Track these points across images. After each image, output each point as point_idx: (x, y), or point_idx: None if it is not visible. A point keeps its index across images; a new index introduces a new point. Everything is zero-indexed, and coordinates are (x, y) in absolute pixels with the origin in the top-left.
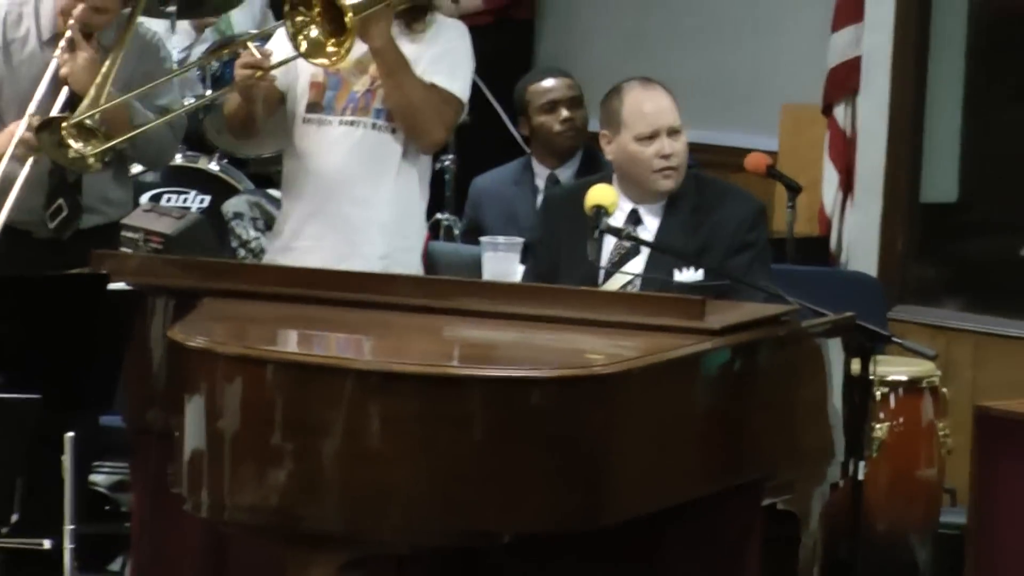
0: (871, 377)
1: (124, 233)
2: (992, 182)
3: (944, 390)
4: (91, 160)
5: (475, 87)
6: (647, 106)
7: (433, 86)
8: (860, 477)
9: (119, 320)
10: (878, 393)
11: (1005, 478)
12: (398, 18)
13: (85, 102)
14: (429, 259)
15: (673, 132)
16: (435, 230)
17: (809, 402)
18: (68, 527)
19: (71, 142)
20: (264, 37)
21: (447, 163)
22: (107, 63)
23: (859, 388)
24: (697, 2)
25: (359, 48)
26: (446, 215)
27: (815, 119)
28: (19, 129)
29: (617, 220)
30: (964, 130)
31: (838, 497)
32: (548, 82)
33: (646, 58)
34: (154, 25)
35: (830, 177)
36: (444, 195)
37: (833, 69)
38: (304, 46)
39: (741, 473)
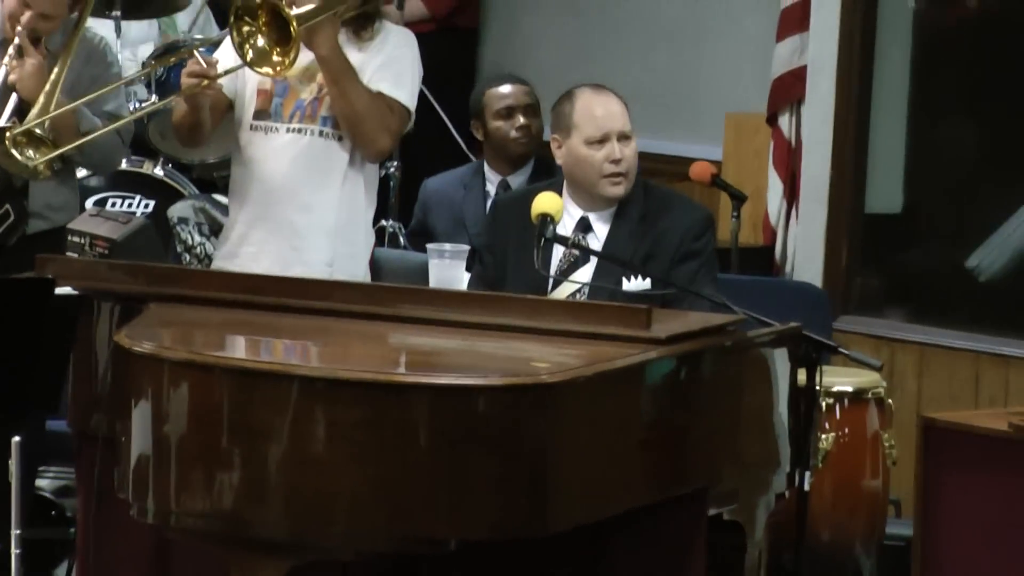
0: (817, 387)
1: (70, 238)
2: (936, 193)
3: (889, 401)
4: (40, 167)
5: (420, 94)
6: (598, 110)
7: (379, 94)
8: (806, 487)
9: (64, 324)
10: (823, 404)
11: (950, 489)
12: (345, 26)
13: (34, 109)
14: (374, 266)
15: (623, 138)
16: (380, 237)
17: (754, 412)
18: (15, 532)
19: (20, 150)
20: (211, 44)
21: (392, 170)
22: (55, 69)
23: (805, 398)
24: (641, 10)
25: (307, 56)
26: (391, 222)
27: (759, 128)
28: None
29: (567, 227)
30: (909, 141)
31: (783, 507)
32: (506, 88)
33: (590, 66)
34: (100, 29)
35: (774, 187)
36: (388, 201)
37: (778, 78)
38: (250, 55)
39: (686, 482)
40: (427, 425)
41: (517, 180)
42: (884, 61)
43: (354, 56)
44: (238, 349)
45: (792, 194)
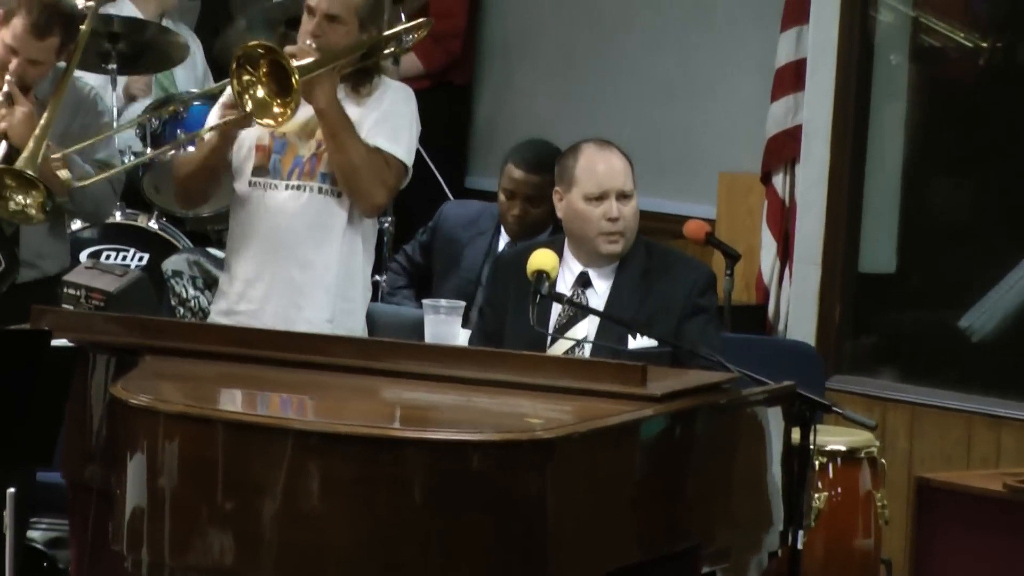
0: (811, 446)
1: (66, 290)
2: (930, 253)
3: (882, 460)
4: (33, 211)
5: (416, 151)
6: (600, 167)
7: (376, 149)
8: (799, 546)
9: (59, 376)
10: (816, 462)
11: (944, 549)
12: (344, 81)
13: (24, 155)
14: (368, 320)
15: (623, 196)
16: (374, 291)
17: (748, 470)
18: None
19: (12, 195)
20: (208, 96)
21: (386, 225)
22: (45, 116)
23: (798, 457)
24: (635, 68)
25: (305, 112)
26: (384, 277)
27: (752, 187)
28: None
29: (567, 281)
30: (903, 200)
31: (775, 566)
32: (517, 172)
33: (583, 123)
34: (92, 80)
35: (768, 245)
36: (383, 256)
37: (772, 138)
38: (249, 105)
39: (679, 539)
40: (422, 480)
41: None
42: (879, 121)
43: (352, 111)
44: (233, 402)
45: (786, 253)
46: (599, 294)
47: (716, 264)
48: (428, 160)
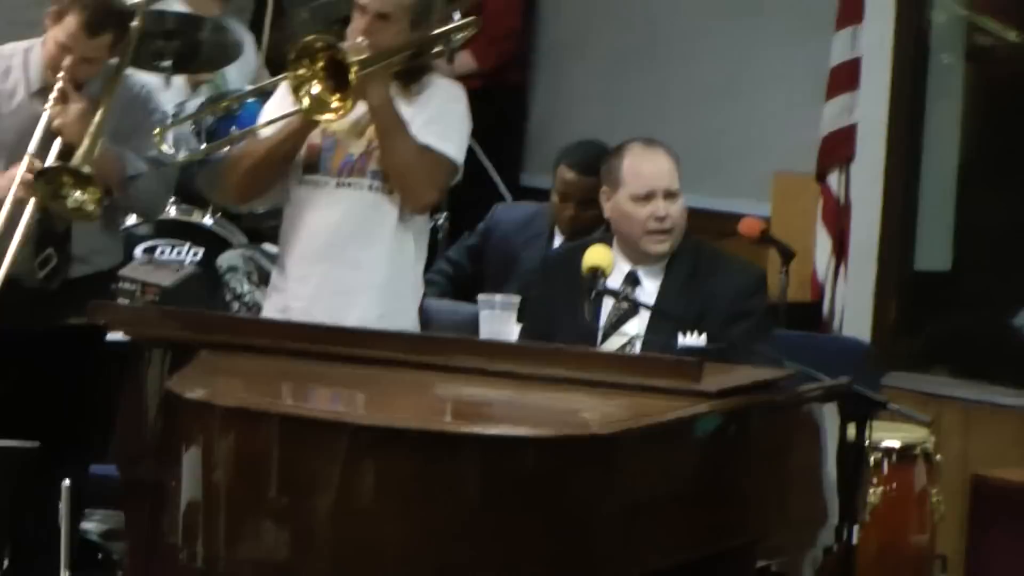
0: (866, 443)
1: (121, 285)
2: (985, 251)
3: (937, 457)
4: (91, 207)
5: (468, 149)
6: (645, 167)
7: (426, 147)
8: (854, 542)
9: (114, 370)
10: (871, 459)
11: (999, 546)
12: (395, 79)
13: (80, 151)
14: (423, 316)
15: (669, 195)
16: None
17: (803, 466)
18: (63, 574)
19: (70, 191)
20: (262, 93)
21: (440, 221)
22: (99, 113)
23: (853, 453)
24: (688, 67)
25: (356, 110)
26: (439, 261)
27: (807, 186)
28: (19, 171)
29: (615, 280)
30: (957, 199)
31: (830, 561)
32: (570, 174)
33: (637, 122)
34: (148, 79)
35: (823, 244)
36: (436, 253)
37: (826, 137)
38: (306, 102)
39: (734, 536)
40: (477, 477)
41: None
42: (934, 119)
43: (402, 109)
44: (289, 397)
45: (841, 251)
46: (648, 293)
47: (771, 262)
48: (482, 158)
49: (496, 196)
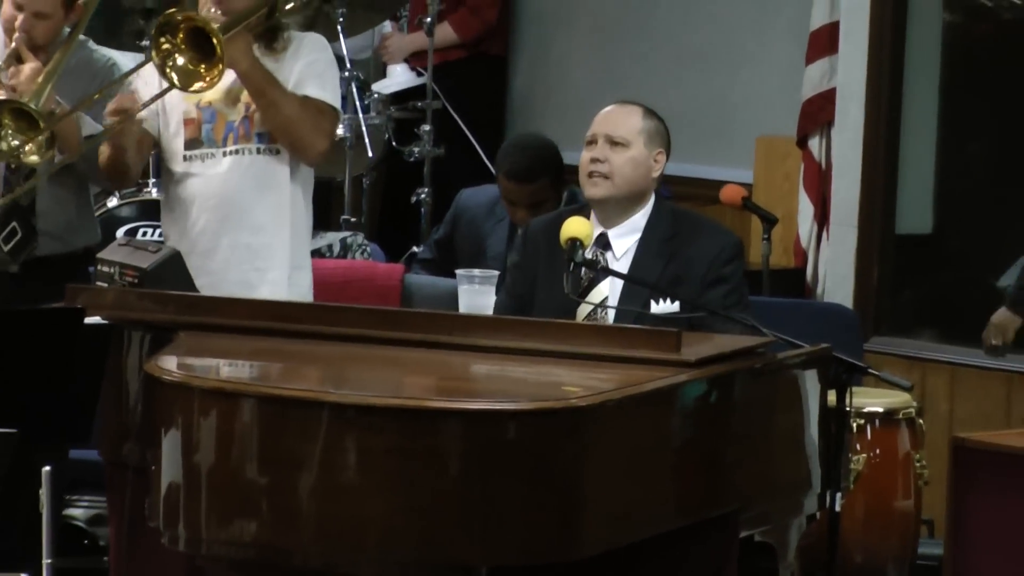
0: (848, 409)
1: (99, 267)
2: (967, 213)
3: (920, 421)
4: (32, 157)
5: (450, 120)
6: (599, 116)
7: (307, 98)
8: (837, 509)
9: (94, 354)
10: (854, 425)
11: (981, 509)
12: (257, 41)
13: (26, 97)
14: (405, 291)
15: (614, 143)
16: (411, 263)
17: (785, 434)
18: (46, 561)
19: (9, 133)
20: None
21: (423, 196)
22: (51, 62)
23: (836, 419)
24: (671, 35)
25: (227, 79)
26: (422, 248)
27: (789, 151)
28: None
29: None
30: (938, 161)
31: (815, 529)
32: (511, 184)
33: (620, 91)
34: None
35: (805, 209)
36: (421, 228)
37: (807, 101)
38: (175, 76)
39: (717, 505)
40: (458, 451)
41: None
42: (913, 82)
43: (272, 68)
44: (268, 377)
45: (823, 216)
46: (617, 256)
47: (754, 228)
48: (466, 130)
49: (479, 167)
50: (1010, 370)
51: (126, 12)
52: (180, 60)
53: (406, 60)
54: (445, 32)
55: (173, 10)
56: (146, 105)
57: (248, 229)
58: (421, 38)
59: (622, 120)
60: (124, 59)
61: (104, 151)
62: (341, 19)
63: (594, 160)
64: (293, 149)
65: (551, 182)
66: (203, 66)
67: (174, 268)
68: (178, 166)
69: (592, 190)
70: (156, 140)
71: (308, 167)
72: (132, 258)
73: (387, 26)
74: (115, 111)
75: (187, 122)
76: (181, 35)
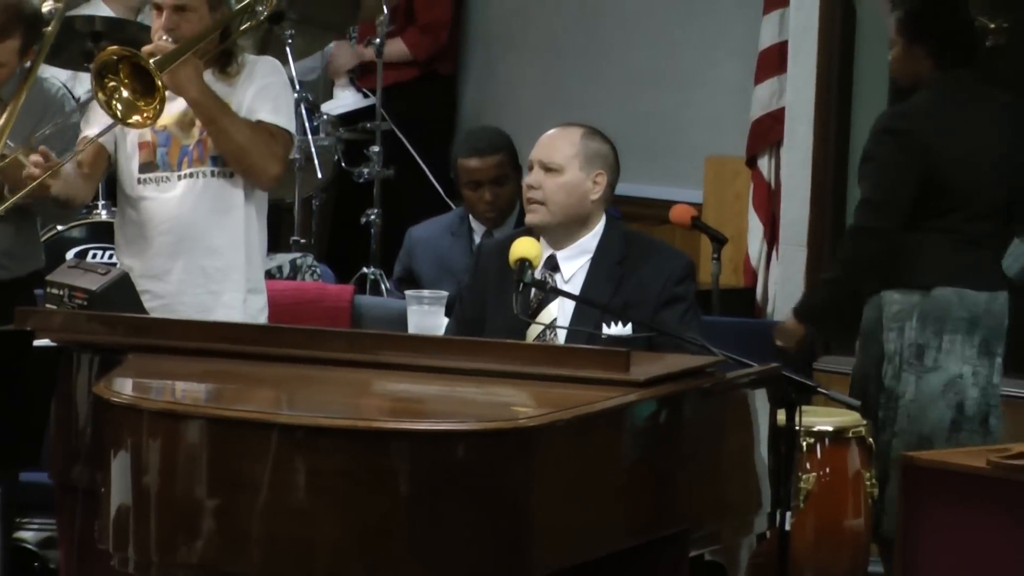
0: (797, 428)
1: (49, 290)
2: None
3: (870, 440)
4: None
5: (398, 142)
6: (539, 139)
7: (259, 123)
8: (787, 527)
9: (44, 377)
10: (804, 443)
11: (930, 527)
12: (210, 66)
13: None
14: (354, 312)
15: (548, 169)
16: (361, 284)
17: (735, 453)
18: None
19: None
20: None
21: (372, 217)
22: (5, 114)
23: (785, 439)
24: (619, 54)
25: (181, 102)
26: (372, 269)
27: (739, 171)
28: None
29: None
30: None
31: (765, 548)
32: (473, 162)
33: (570, 111)
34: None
35: (755, 228)
36: (370, 249)
37: (756, 121)
38: (119, 110)
39: (667, 524)
40: (407, 472)
41: (503, 231)
42: (861, 102)
43: (225, 92)
44: (217, 398)
45: (772, 236)
46: (566, 278)
47: (704, 248)
48: (412, 151)
49: (427, 187)
50: None
51: (75, 34)
52: (125, 93)
53: (354, 82)
54: (398, 47)
55: (108, 49)
56: (93, 140)
57: (203, 252)
58: (368, 50)
59: (557, 145)
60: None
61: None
62: (289, 40)
63: (529, 187)
64: (246, 174)
65: (510, 159)
66: (143, 101)
67: (123, 290)
68: (132, 189)
69: (529, 216)
70: (112, 160)
71: (262, 191)
72: (82, 280)
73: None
74: (30, 176)
75: (142, 145)
76: (124, 70)
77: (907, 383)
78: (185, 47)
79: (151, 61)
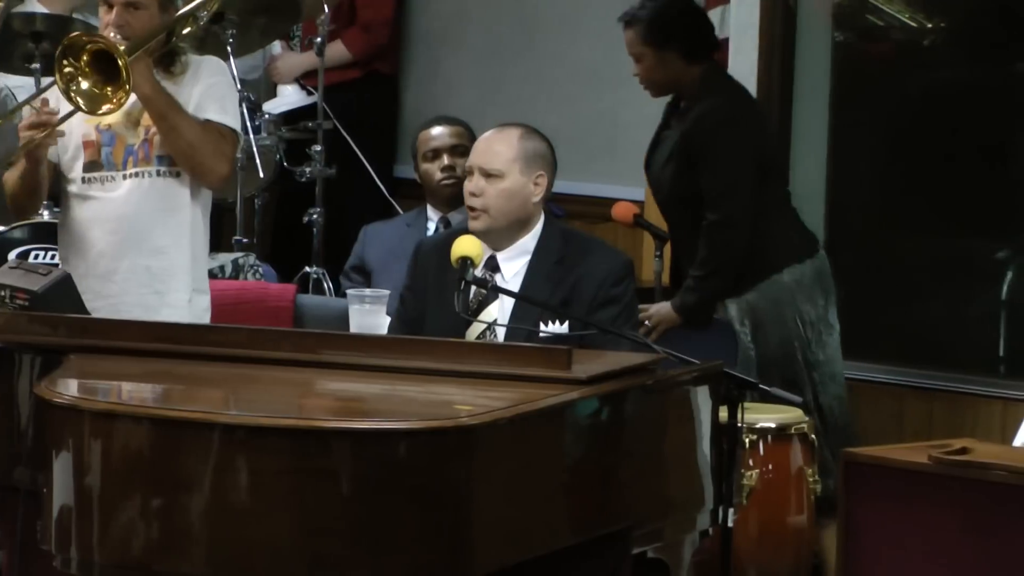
0: (739, 424)
1: None
2: (857, 230)
3: (813, 436)
4: None
5: (341, 140)
6: (477, 142)
7: (208, 122)
8: (730, 524)
9: None
10: (747, 440)
11: (872, 522)
12: (155, 65)
13: None
14: (297, 312)
15: (489, 175)
16: (304, 283)
17: (678, 450)
18: None
19: None
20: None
21: (315, 216)
22: None
23: (728, 435)
24: (558, 53)
25: (127, 101)
26: (314, 268)
27: None
28: None
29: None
30: (829, 178)
31: (708, 545)
32: (435, 130)
33: (509, 109)
34: (18, 82)
35: None
36: (313, 248)
37: None
38: (80, 101)
39: (610, 522)
40: (348, 471)
41: (457, 217)
42: (803, 99)
43: (171, 91)
44: (159, 398)
45: None
46: (507, 278)
47: (646, 245)
48: (356, 150)
49: (370, 187)
50: (903, 384)
51: (16, 35)
52: (84, 84)
53: (297, 80)
54: (338, 50)
55: (78, 32)
56: (61, 121)
57: (148, 252)
58: (312, 57)
59: (496, 149)
60: (20, 82)
61: (14, 173)
62: (231, 39)
63: (471, 194)
64: (194, 173)
65: (470, 136)
66: (108, 89)
67: (65, 291)
68: (77, 188)
69: (472, 223)
70: (55, 163)
71: (208, 190)
72: (23, 281)
73: (277, 46)
74: (33, 124)
75: (86, 144)
76: (85, 58)
77: (819, 347)
78: (138, 43)
79: (120, 48)
